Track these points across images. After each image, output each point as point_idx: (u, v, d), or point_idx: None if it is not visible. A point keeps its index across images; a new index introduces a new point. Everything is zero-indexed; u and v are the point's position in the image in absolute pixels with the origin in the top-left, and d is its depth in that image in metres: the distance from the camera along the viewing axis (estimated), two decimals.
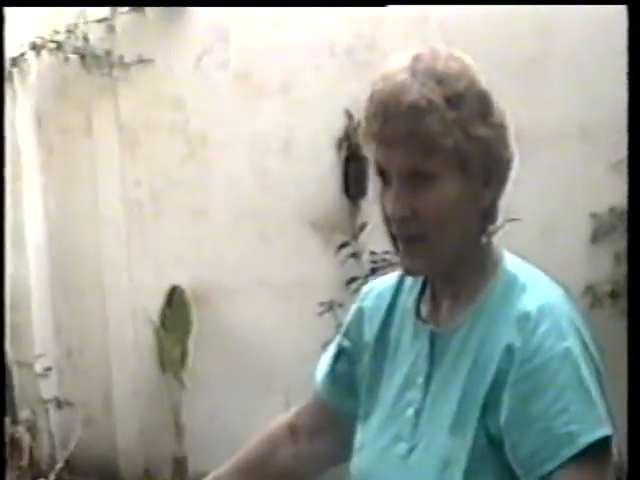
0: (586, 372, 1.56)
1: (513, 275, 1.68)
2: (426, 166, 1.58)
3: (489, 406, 1.60)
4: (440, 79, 1.58)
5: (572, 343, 1.58)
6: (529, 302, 1.62)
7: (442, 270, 1.69)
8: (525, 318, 1.60)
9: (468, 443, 1.61)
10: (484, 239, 1.68)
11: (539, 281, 1.68)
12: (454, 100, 1.58)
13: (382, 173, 1.64)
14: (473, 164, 1.60)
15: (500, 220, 1.70)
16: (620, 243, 4.37)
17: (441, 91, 1.57)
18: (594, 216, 4.41)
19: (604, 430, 1.54)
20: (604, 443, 1.54)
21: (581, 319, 1.66)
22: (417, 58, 1.60)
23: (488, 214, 1.67)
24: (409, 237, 1.64)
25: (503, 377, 1.59)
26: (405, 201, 1.60)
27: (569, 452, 1.52)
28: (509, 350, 1.59)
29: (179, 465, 5.06)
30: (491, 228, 1.70)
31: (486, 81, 1.65)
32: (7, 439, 4.71)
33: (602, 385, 1.60)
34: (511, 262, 1.71)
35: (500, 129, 1.66)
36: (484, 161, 1.62)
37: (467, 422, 1.62)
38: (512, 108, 4.64)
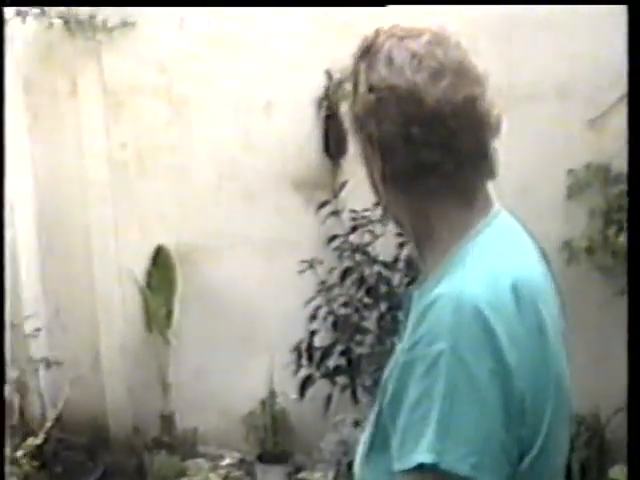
0: (453, 382, 1.47)
1: (461, 256, 1.63)
2: None
3: (385, 387, 1.62)
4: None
5: (449, 345, 1.48)
6: (440, 289, 1.55)
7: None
8: (428, 304, 1.54)
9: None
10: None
11: (469, 266, 1.59)
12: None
13: None
14: None
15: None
16: (595, 199, 4.43)
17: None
18: (570, 172, 4.45)
19: (425, 457, 1.45)
20: (430, 467, 1.45)
21: (511, 313, 1.53)
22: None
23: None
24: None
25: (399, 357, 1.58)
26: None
27: (399, 466, 1.51)
28: (411, 332, 1.56)
29: (166, 422, 5.14)
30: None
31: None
32: None
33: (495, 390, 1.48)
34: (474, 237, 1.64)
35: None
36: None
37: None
38: (490, 67, 4.68)
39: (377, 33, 1.67)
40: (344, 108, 4.63)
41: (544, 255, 1.73)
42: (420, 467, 1.46)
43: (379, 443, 1.65)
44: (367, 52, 1.65)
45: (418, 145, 1.57)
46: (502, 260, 1.62)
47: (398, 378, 1.54)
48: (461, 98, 1.59)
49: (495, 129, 1.66)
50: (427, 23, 1.68)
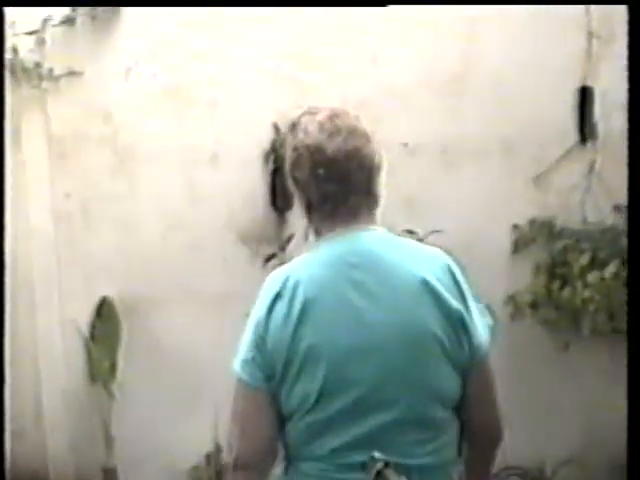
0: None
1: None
2: None
3: None
4: None
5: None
6: None
7: None
8: None
9: None
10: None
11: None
12: None
13: None
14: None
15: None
16: (540, 254, 4.49)
17: None
18: (515, 228, 4.50)
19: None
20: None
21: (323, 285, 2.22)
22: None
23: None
24: None
25: None
26: None
27: None
28: None
29: (109, 476, 5.05)
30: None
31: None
32: None
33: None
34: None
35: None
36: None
37: None
38: (436, 123, 4.75)
39: (301, 114, 2.34)
40: None
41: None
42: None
43: None
44: (293, 126, 2.34)
45: (322, 181, 2.23)
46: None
47: None
48: (351, 147, 2.23)
49: (377, 169, 2.29)
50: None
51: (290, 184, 2.35)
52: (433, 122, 4.49)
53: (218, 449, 4.81)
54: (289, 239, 4.70)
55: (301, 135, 2.27)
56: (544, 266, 4.44)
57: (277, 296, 2.25)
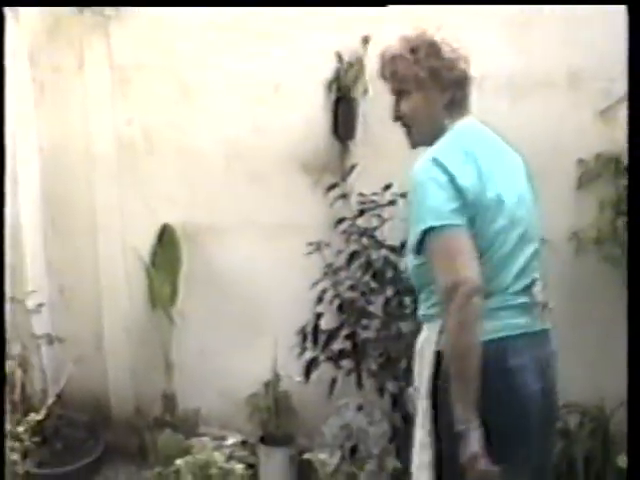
0: None
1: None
2: (402, 87, 2.91)
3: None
4: (408, 39, 2.92)
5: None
6: None
7: (424, 142, 2.89)
8: None
9: None
10: (448, 121, 2.88)
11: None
12: (413, 50, 2.88)
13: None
14: (427, 82, 2.86)
15: None
16: (605, 190, 4.40)
17: (407, 46, 2.90)
18: (580, 162, 4.42)
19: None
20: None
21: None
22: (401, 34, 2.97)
23: (450, 106, 2.88)
24: (404, 127, 2.96)
25: None
26: (396, 108, 2.95)
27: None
28: None
29: (169, 401, 5.13)
30: (454, 113, 2.90)
31: (441, 35, 2.91)
32: None
33: None
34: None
35: (447, 60, 2.86)
36: (436, 79, 2.86)
37: None
38: (503, 55, 4.65)
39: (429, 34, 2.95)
40: (355, 91, 4.61)
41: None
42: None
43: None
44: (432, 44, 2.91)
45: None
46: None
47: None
48: (460, 67, 2.89)
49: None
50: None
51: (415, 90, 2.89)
52: (500, 53, 4.41)
53: (277, 377, 4.84)
54: (351, 169, 4.67)
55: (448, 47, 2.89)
56: (609, 202, 4.36)
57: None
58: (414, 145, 2.95)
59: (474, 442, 2.59)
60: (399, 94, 2.91)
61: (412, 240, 2.74)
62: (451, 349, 2.64)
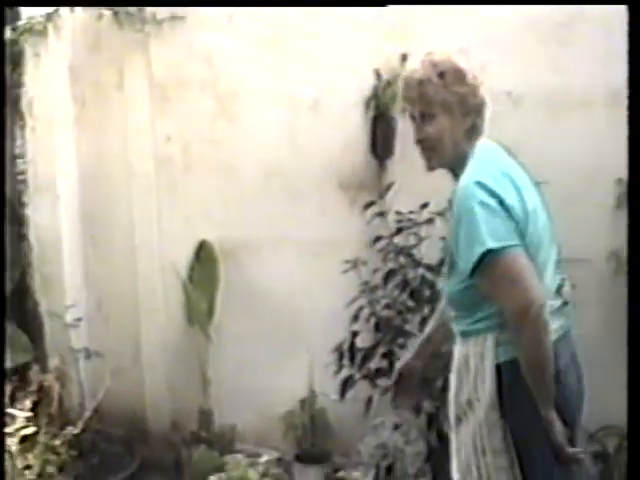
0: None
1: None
2: (428, 110, 2.90)
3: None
4: (435, 64, 2.92)
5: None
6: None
7: (443, 165, 2.95)
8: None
9: None
10: (466, 145, 2.90)
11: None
12: (441, 75, 2.89)
13: (412, 117, 2.96)
14: (454, 107, 2.88)
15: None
16: None
17: (434, 70, 2.90)
18: (619, 182, 4.38)
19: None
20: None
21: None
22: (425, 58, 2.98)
23: (471, 130, 2.91)
24: (426, 150, 2.95)
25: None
26: (421, 130, 2.93)
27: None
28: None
29: (205, 417, 5.13)
30: (473, 137, 2.92)
31: (467, 61, 2.94)
32: (36, 387, 4.82)
33: None
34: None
35: (471, 86, 2.90)
36: (462, 104, 2.89)
37: None
38: (542, 73, 4.62)
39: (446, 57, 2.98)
40: (393, 109, 4.61)
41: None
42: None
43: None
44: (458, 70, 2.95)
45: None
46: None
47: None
48: (481, 95, 2.94)
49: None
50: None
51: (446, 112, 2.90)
52: (538, 71, 4.39)
53: (313, 394, 4.84)
54: (389, 187, 4.66)
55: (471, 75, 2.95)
56: None
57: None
58: (432, 168, 2.99)
59: (561, 429, 2.72)
60: (422, 117, 2.93)
61: (465, 265, 2.75)
62: (527, 362, 2.70)
